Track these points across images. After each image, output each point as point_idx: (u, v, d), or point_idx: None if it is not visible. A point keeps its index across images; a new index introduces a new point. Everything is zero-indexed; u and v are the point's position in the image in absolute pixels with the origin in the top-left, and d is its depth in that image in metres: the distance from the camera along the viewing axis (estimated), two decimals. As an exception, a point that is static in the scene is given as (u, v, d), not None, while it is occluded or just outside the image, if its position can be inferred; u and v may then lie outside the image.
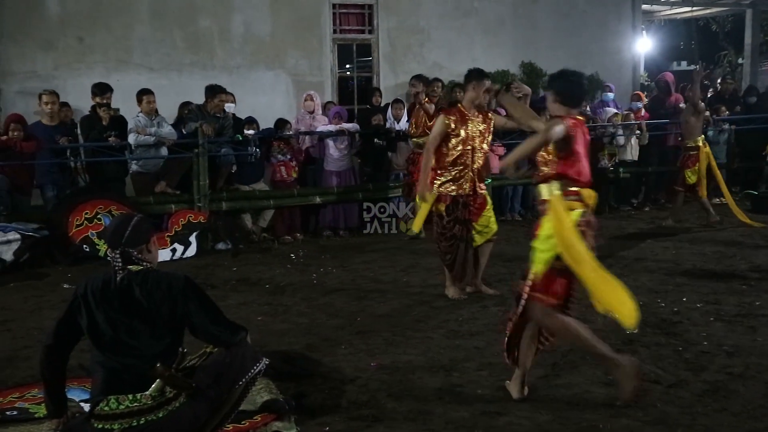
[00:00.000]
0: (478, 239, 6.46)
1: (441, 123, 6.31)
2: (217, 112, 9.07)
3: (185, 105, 9.50)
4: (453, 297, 6.38)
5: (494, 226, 6.55)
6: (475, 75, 6.35)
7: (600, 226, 4.39)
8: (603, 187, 10.95)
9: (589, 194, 4.24)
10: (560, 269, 4.10)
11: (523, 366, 4.23)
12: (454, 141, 6.29)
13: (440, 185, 6.34)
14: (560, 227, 4.04)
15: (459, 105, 6.52)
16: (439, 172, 6.37)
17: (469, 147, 6.30)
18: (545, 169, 4.26)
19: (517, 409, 4.06)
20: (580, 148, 4.20)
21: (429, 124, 8.60)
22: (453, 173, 6.33)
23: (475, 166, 6.35)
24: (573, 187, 4.17)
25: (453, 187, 6.33)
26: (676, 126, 11.28)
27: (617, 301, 4.04)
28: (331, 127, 9.67)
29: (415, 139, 8.97)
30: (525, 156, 4.38)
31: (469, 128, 6.29)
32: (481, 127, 6.35)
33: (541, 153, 4.27)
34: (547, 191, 4.21)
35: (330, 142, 9.69)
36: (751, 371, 4.57)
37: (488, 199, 6.61)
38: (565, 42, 12.98)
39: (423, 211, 6.62)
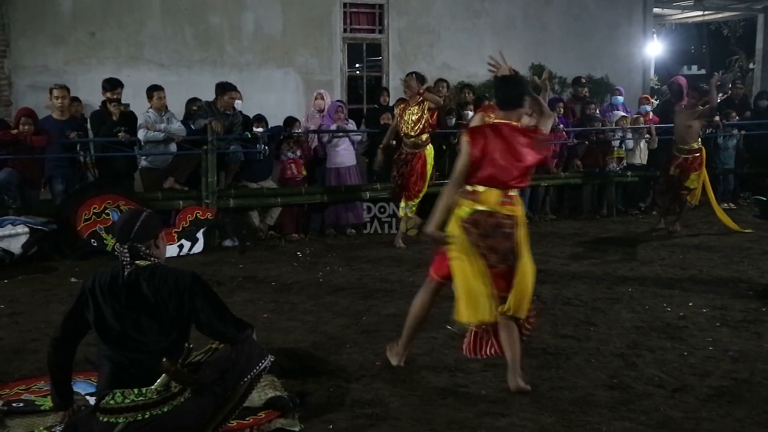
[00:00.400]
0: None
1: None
2: (227, 109, 9.10)
3: (193, 101, 9.53)
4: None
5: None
6: None
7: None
8: (608, 189, 10.96)
9: (486, 197, 4.32)
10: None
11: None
12: None
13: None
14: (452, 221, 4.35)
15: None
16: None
17: None
18: None
19: (520, 411, 4.07)
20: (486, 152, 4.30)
21: (432, 120, 8.75)
22: None
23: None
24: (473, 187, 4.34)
25: None
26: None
27: (461, 299, 4.33)
28: (334, 126, 9.71)
29: (412, 139, 8.53)
30: (448, 207, 4.45)
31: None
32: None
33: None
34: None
35: (334, 140, 9.71)
36: (757, 377, 4.56)
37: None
38: (575, 44, 12.97)
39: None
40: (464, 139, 4.37)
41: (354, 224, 9.85)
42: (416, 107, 8.40)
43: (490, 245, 4.25)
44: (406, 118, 8.49)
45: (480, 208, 4.29)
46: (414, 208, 8.72)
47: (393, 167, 8.87)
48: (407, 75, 8.70)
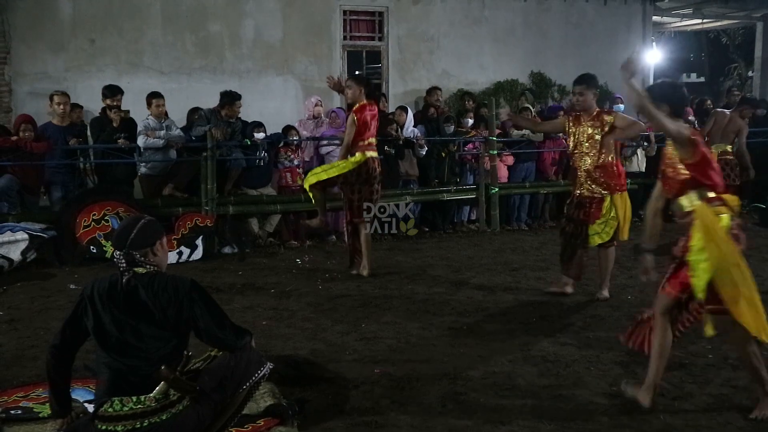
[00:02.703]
0: (595, 240, 6.66)
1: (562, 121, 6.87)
2: (230, 118, 9.12)
3: (194, 111, 9.54)
4: (552, 291, 6.83)
5: (610, 231, 6.65)
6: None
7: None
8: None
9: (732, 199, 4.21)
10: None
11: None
12: (570, 142, 6.72)
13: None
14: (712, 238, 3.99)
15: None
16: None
17: (577, 151, 6.58)
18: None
19: (520, 419, 4.06)
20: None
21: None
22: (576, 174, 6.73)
23: (584, 169, 6.54)
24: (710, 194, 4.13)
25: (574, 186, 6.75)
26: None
27: (758, 313, 3.96)
28: (331, 131, 9.70)
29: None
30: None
31: (579, 131, 6.54)
32: (590, 131, 6.46)
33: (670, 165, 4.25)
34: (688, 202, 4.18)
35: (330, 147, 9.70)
36: (756, 385, 4.54)
37: (607, 202, 6.62)
38: (574, 52, 13.00)
39: None
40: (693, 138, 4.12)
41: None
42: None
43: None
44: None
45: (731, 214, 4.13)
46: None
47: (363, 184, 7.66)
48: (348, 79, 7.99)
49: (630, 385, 4.33)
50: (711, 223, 4.01)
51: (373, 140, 7.61)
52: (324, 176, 7.55)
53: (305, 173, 9.71)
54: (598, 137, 6.40)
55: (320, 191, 7.70)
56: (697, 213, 4.09)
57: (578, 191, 6.62)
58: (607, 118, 6.44)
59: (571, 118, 6.66)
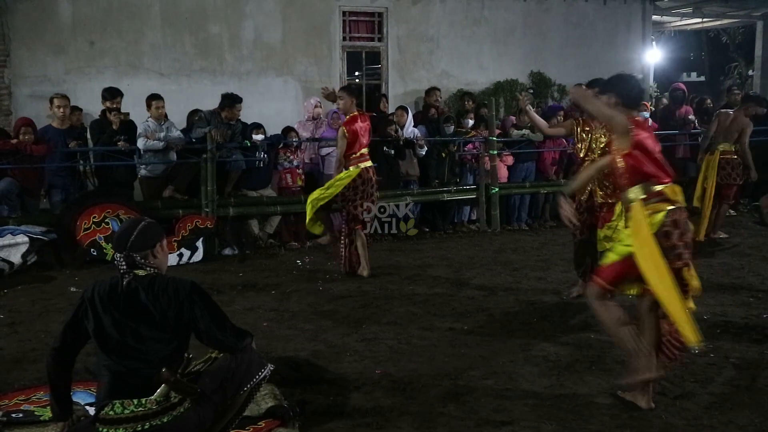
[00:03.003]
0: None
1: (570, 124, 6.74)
2: (231, 120, 9.12)
3: (194, 113, 9.54)
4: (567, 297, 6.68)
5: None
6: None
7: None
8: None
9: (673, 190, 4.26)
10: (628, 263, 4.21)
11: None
12: (580, 146, 6.55)
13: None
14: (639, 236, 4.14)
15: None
16: None
17: (588, 158, 6.37)
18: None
19: (521, 419, 4.06)
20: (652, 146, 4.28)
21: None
22: None
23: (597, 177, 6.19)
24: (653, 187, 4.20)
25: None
26: (686, 137, 11.27)
27: (680, 318, 4.05)
28: (331, 133, 9.69)
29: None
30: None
31: (592, 138, 6.41)
32: (603, 138, 6.21)
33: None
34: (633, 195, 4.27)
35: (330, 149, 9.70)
36: (758, 384, 4.55)
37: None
38: (574, 52, 12.99)
39: None
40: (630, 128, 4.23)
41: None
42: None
43: (687, 241, 4.20)
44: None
45: (672, 207, 4.20)
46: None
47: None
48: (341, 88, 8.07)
49: (624, 386, 4.34)
50: (639, 226, 4.16)
51: (365, 151, 7.61)
52: (323, 202, 7.54)
53: (305, 174, 9.76)
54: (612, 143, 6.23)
55: (324, 212, 7.71)
56: (632, 211, 4.23)
57: (582, 197, 6.47)
58: None
59: (580, 122, 6.53)
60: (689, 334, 3.99)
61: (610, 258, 4.36)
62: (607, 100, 4.38)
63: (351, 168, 7.46)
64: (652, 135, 4.37)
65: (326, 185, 7.64)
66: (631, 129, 4.19)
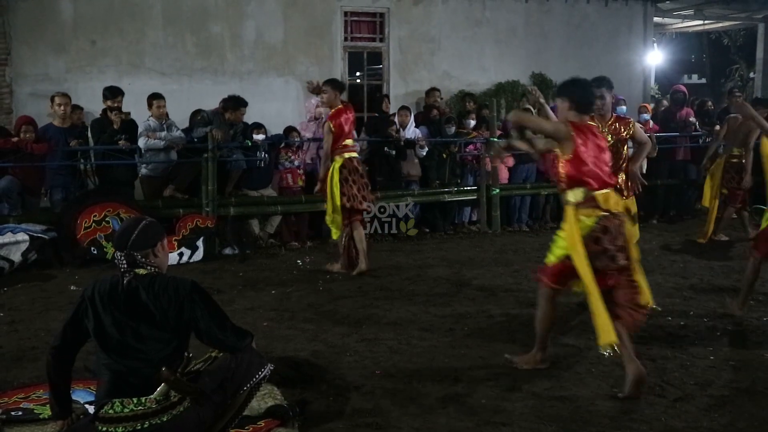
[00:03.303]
0: None
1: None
2: (234, 122, 9.12)
3: (197, 113, 9.55)
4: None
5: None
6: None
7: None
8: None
9: (605, 197, 4.50)
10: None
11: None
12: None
13: None
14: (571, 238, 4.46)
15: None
16: None
17: None
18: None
19: (521, 420, 4.05)
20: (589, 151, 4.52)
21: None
22: None
23: None
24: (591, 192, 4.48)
25: None
26: (686, 140, 11.26)
27: (599, 320, 4.39)
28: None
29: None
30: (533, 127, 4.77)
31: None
32: (609, 138, 6.02)
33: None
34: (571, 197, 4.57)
35: None
36: (758, 386, 4.54)
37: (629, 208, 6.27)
38: (576, 53, 12.99)
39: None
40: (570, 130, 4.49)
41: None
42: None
43: (620, 245, 4.47)
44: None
45: (603, 213, 4.48)
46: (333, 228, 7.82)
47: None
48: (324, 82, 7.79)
49: (517, 362, 4.84)
50: (570, 230, 4.48)
51: (349, 141, 7.66)
52: (338, 209, 7.59)
53: (306, 174, 9.76)
54: (618, 144, 6.12)
55: (345, 221, 7.71)
56: (567, 214, 4.55)
57: None
58: (626, 128, 6.17)
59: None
60: (602, 333, 4.33)
61: (550, 259, 4.67)
62: (560, 104, 4.66)
63: (336, 158, 7.54)
64: (595, 140, 4.58)
65: (328, 197, 7.64)
66: (573, 137, 4.44)
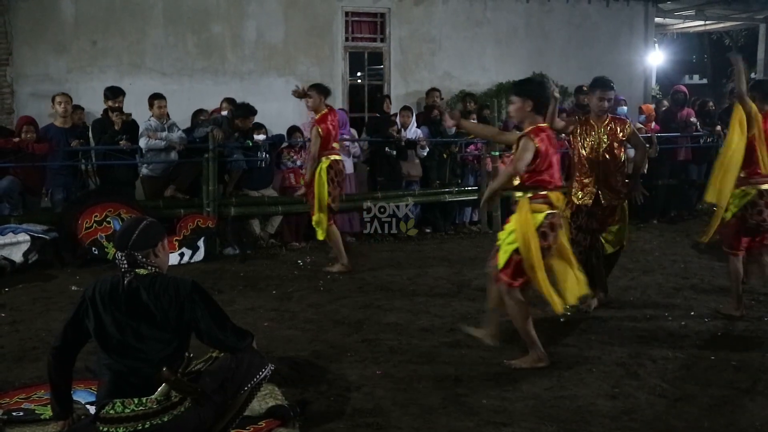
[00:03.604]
0: (608, 248, 6.38)
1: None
2: (243, 129, 9.12)
3: (199, 112, 9.54)
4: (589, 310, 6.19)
5: (622, 236, 6.36)
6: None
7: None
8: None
9: (557, 197, 4.89)
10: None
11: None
12: (582, 147, 6.19)
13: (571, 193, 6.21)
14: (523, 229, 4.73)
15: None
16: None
17: (591, 156, 6.13)
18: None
19: (521, 420, 4.05)
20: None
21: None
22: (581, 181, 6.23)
23: (602, 178, 6.09)
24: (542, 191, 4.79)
25: (579, 195, 6.18)
26: (687, 140, 11.25)
27: (547, 294, 4.81)
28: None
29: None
30: (501, 188, 5.02)
31: (595, 139, 6.11)
32: (606, 138, 6.07)
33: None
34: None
35: None
36: (759, 386, 4.55)
37: (620, 208, 6.28)
38: (576, 53, 13.00)
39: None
40: (532, 144, 4.74)
41: (353, 232, 9.85)
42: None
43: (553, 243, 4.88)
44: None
45: (552, 211, 4.82)
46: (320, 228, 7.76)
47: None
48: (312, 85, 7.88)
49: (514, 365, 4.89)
50: (524, 218, 4.73)
51: (336, 145, 7.80)
52: (324, 209, 7.63)
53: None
54: (615, 145, 6.08)
55: (330, 219, 7.77)
56: (519, 205, 4.79)
57: (585, 200, 6.15)
58: (622, 129, 6.10)
59: (582, 122, 6.22)
60: (554, 304, 4.82)
61: (502, 258, 4.84)
62: (520, 103, 4.85)
63: (323, 159, 7.60)
64: (551, 141, 4.84)
65: (315, 197, 7.64)
66: (532, 139, 4.71)
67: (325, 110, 7.68)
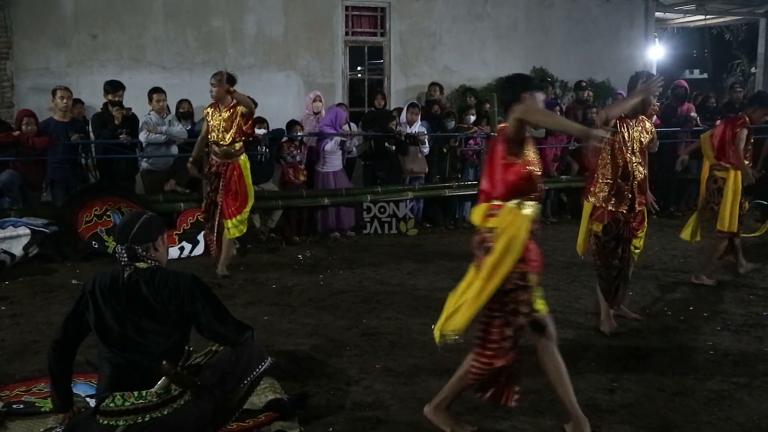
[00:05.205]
0: (636, 255, 5.85)
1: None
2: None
3: (181, 103, 9.48)
4: (609, 332, 5.56)
5: (641, 241, 5.80)
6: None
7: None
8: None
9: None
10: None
11: None
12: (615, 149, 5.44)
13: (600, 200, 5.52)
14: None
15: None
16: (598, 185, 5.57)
17: (627, 151, 5.44)
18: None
19: (520, 414, 4.07)
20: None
21: (246, 127, 7.50)
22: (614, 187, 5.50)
23: (637, 181, 5.47)
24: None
25: (613, 202, 5.48)
26: (687, 135, 11.24)
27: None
28: (330, 129, 9.68)
29: (224, 148, 7.40)
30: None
31: (631, 137, 5.45)
32: (638, 137, 5.46)
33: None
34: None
35: (326, 144, 9.70)
36: (757, 381, 4.56)
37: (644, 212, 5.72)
38: (577, 48, 12.99)
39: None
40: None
41: (353, 227, 9.86)
42: (227, 112, 7.32)
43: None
44: (215, 124, 7.35)
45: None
46: (241, 227, 7.51)
47: (205, 182, 7.74)
48: (216, 73, 7.53)
49: None
50: (516, 225, 3.78)
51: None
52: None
53: (307, 169, 9.77)
54: (644, 144, 5.51)
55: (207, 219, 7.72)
56: (507, 212, 3.81)
57: (622, 207, 5.48)
58: (650, 126, 5.58)
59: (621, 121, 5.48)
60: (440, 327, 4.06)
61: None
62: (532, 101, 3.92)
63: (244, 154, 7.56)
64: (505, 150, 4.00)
65: (249, 192, 7.54)
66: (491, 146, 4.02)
67: (232, 103, 7.36)
